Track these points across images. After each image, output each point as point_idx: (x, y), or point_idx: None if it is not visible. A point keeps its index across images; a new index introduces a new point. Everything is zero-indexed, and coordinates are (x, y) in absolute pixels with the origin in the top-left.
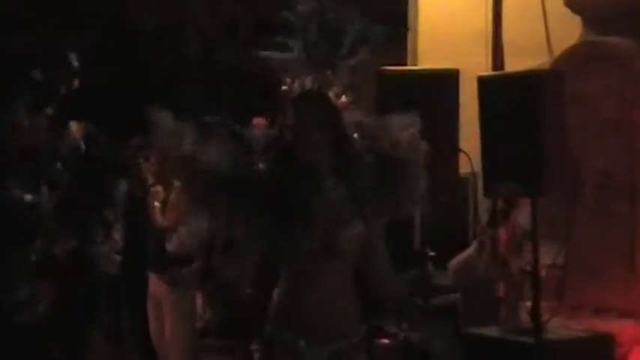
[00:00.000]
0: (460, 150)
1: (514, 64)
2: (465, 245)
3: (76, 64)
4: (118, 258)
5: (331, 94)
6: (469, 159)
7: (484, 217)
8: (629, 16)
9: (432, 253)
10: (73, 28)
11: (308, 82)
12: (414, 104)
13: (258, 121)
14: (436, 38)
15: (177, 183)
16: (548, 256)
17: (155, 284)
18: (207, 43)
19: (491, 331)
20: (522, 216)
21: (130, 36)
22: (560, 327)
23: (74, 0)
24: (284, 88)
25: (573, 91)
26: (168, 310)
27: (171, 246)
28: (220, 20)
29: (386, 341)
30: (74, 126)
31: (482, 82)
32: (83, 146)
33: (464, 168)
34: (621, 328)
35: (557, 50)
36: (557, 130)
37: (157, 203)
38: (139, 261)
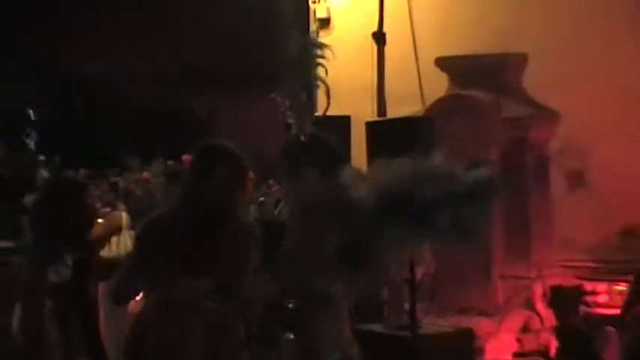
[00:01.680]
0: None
1: (395, 111)
2: None
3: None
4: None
5: None
6: None
7: None
8: (485, 74)
9: None
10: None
11: None
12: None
13: (187, 158)
14: (331, 89)
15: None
16: (422, 266)
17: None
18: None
19: (377, 327)
20: None
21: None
22: (431, 324)
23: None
24: None
25: (441, 133)
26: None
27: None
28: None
29: None
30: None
31: (369, 126)
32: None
33: None
34: (479, 324)
35: (429, 100)
36: None
37: (100, 220)
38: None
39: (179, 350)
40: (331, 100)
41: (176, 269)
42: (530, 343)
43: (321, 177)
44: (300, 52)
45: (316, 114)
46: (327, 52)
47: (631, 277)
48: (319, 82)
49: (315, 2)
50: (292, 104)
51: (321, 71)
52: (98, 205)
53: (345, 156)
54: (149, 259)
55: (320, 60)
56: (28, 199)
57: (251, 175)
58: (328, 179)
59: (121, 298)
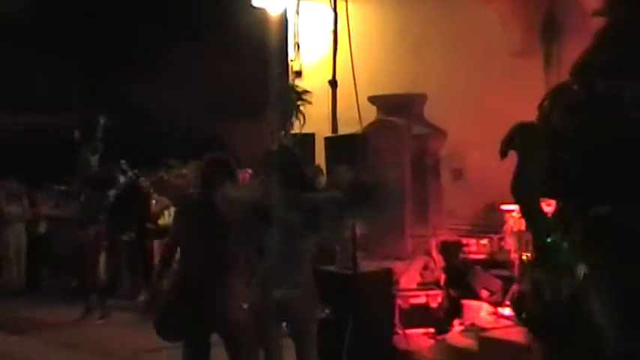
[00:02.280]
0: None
1: (343, 130)
2: None
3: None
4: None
5: None
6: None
7: None
8: (400, 107)
9: None
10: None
11: None
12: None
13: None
14: (305, 112)
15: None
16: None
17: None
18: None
19: (331, 268)
20: None
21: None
22: (365, 266)
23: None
24: None
25: (372, 145)
26: None
27: None
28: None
29: None
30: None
31: (327, 140)
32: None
33: None
34: (395, 266)
35: (365, 123)
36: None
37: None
38: None
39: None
40: (302, 122)
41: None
42: (428, 277)
43: (285, 174)
44: (281, 93)
45: (293, 132)
46: (307, 95)
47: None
48: (299, 111)
49: (292, 60)
50: (276, 126)
51: (301, 105)
52: (153, 192)
53: (301, 159)
54: (180, 223)
55: (303, 98)
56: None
57: (249, 171)
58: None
59: (167, 260)
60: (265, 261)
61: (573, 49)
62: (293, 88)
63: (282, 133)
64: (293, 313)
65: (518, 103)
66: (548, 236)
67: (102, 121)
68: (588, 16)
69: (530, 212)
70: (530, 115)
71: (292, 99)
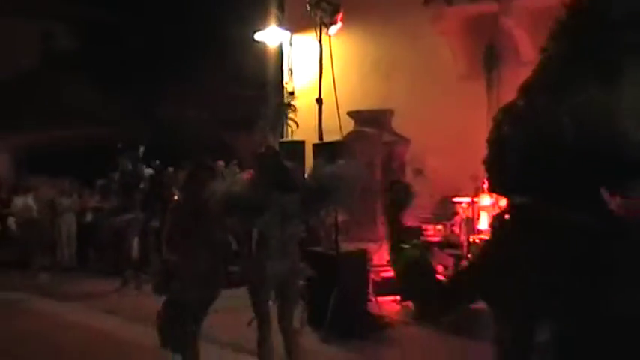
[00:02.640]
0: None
1: (327, 138)
2: None
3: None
4: None
5: None
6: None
7: None
8: (373, 120)
9: None
10: None
11: None
12: (292, 158)
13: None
14: (296, 127)
15: None
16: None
17: None
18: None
19: (318, 249)
20: None
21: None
22: (346, 247)
23: None
24: None
25: (351, 150)
26: None
27: None
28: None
29: None
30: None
31: (314, 146)
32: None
33: None
34: (370, 247)
35: (345, 132)
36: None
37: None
38: None
39: None
40: (295, 132)
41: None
42: None
43: (273, 172)
44: (277, 108)
45: (287, 140)
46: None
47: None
48: (292, 123)
49: (286, 83)
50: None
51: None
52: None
53: (284, 159)
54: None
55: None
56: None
57: (250, 172)
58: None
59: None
60: (261, 243)
61: (508, 75)
62: (282, 103)
63: (271, 138)
64: (282, 282)
65: (466, 116)
66: None
67: (141, 149)
68: (519, 53)
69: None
70: (476, 125)
71: (282, 112)
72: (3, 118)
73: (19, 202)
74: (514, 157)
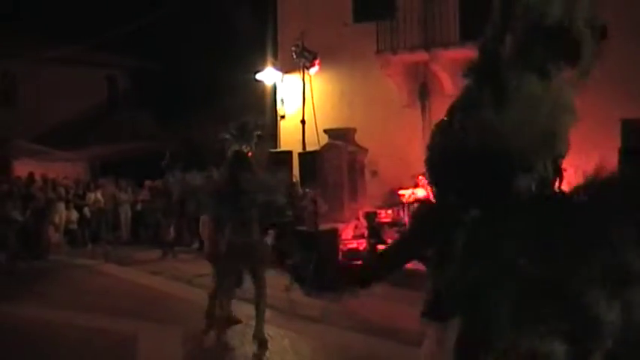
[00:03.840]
0: (293, 182)
1: (308, 148)
2: None
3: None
4: None
5: None
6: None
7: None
8: (341, 135)
9: None
10: None
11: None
12: (283, 163)
13: None
14: (285, 140)
15: None
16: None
17: None
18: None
19: (301, 228)
20: None
21: None
22: (322, 227)
23: None
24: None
25: (324, 158)
26: None
27: None
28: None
29: None
30: None
31: (299, 155)
32: None
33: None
34: (339, 226)
35: (322, 143)
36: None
37: None
38: None
39: None
40: (283, 144)
41: None
42: (358, 232)
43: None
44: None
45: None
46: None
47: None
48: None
49: (279, 109)
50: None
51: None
52: None
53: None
54: None
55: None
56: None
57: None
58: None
59: None
60: (228, 224)
61: (437, 104)
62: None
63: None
64: (250, 254)
65: (407, 133)
66: None
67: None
68: (444, 89)
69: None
70: (414, 139)
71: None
72: (81, 137)
73: (91, 196)
74: (438, 159)
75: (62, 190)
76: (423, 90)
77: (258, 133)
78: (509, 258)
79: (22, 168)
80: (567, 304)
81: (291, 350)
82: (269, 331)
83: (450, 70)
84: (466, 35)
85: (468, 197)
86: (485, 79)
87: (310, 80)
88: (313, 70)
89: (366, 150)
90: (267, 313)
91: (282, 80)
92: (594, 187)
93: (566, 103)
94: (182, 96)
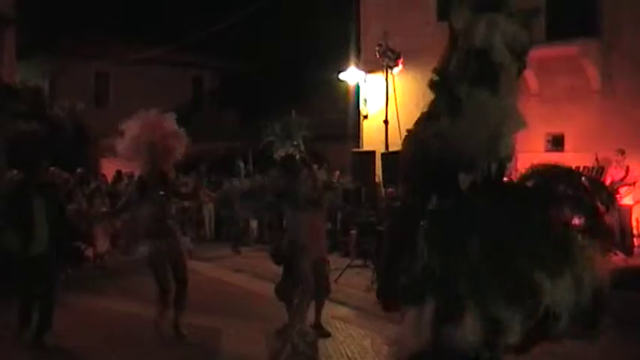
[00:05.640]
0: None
1: (391, 149)
2: None
3: None
4: None
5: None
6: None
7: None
8: None
9: None
10: None
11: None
12: (365, 164)
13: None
14: (368, 140)
15: None
16: None
17: None
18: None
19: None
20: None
21: None
22: None
23: None
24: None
25: None
26: None
27: None
28: None
29: None
30: None
31: (382, 155)
32: None
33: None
34: None
35: None
36: None
37: None
38: None
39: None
40: (366, 144)
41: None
42: None
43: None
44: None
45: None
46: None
47: None
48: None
49: (362, 109)
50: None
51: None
52: None
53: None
54: None
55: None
56: None
57: (337, 171)
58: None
59: None
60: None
61: (522, 104)
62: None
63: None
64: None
65: None
66: None
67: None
68: (530, 88)
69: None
70: None
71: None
72: None
73: None
74: (406, 162)
75: None
76: None
77: (304, 133)
78: (466, 242)
79: (108, 166)
80: (512, 275)
81: (372, 350)
82: (351, 331)
83: (535, 69)
84: (553, 34)
85: (429, 194)
86: (442, 94)
87: (393, 80)
88: (396, 69)
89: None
90: (349, 313)
91: (365, 80)
92: (536, 178)
93: (511, 112)
94: (266, 96)
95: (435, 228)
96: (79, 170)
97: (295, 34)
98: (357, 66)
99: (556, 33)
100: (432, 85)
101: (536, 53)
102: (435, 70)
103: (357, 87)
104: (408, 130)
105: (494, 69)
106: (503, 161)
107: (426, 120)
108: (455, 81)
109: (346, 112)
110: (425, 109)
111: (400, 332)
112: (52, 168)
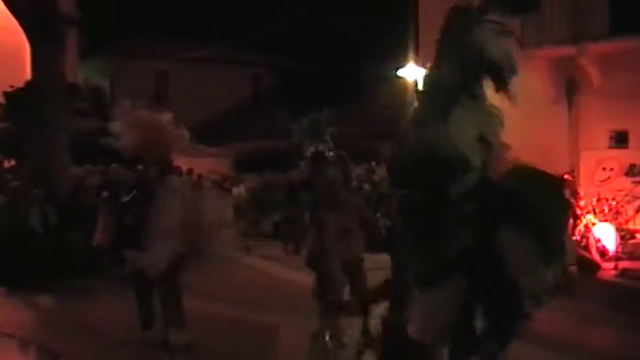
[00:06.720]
0: None
1: None
2: None
3: None
4: None
5: None
6: None
7: None
8: None
9: None
10: None
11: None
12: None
13: None
14: None
15: None
16: None
17: None
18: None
19: None
20: None
21: None
22: None
23: None
24: None
25: None
26: None
27: None
28: None
29: None
30: None
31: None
32: None
33: None
34: None
35: None
36: None
37: None
38: None
39: None
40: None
41: None
42: None
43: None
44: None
45: None
46: None
47: None
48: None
49: None
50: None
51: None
52: None
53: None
54: None
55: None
56: None
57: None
58: None
59: None
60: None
61: (585, 101)
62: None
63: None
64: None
65: (551, 131)
66: None
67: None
68: (593, 84)
69: None
70: (558, 138)
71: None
72: (226, 134)
73: (235, 190)
74: (396, 163)
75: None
76: (570, 85)
77: (331, 129)
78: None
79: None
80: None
81: None
82: None
83: (599, 64)
84: (617, 28)
85: (422, 192)
86: (430, 101)
87: None
88: None
89: (507, 146)
90: None
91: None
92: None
93: (492, 113)
94: (323, 95)
95: (430, 223)
96: (139, 167)
97: (353, 31)
98: (416, 62)
99: (619, 28)
100: (420, 93)
101: (599, 48)
102: (425, 79)
103: (416, 83)
104: (395, 138)
105: (484, 78)
106: (489, 158)
107: (413, 126)
108: (444, 89)
109: (404, 109)
110: (411, 116)
111: (423, 312)
112: (114, 165)
